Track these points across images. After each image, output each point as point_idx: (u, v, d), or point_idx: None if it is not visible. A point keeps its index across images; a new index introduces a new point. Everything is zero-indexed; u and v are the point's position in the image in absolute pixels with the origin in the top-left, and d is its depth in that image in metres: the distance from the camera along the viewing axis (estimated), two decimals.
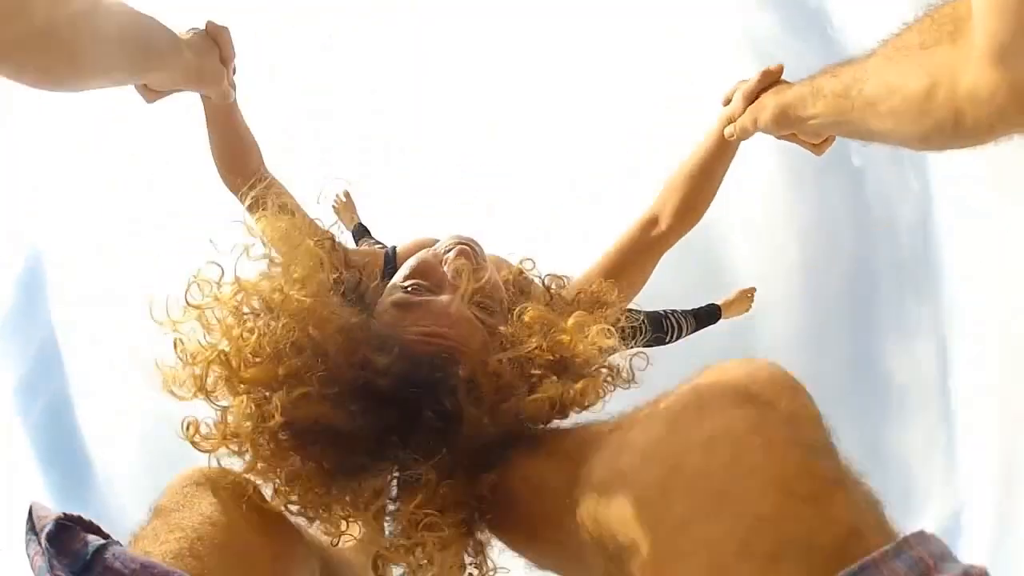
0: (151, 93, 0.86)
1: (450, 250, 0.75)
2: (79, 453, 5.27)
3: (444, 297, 0.71)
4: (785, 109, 0.83)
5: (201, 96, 1.01)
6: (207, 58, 0.90)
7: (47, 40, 0.58)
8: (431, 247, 0.79)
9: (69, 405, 5.30)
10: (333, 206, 2.40)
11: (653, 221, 1.11)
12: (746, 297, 2.53)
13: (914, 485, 4.67)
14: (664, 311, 2.14)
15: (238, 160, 1.06)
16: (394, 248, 1.19)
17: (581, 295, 0.87)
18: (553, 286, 0.90)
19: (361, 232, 2.32)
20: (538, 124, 4.69)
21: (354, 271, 0.81)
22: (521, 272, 0.98)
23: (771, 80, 0.91)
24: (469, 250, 0.74)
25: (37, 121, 4.91)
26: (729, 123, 0.98)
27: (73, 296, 5.20)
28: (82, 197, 5.04)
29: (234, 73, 0.99)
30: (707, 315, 2.34)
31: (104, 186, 4.98)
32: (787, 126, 0.85)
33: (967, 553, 4.63)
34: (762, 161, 4.50)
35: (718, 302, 2.44)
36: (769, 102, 0.87)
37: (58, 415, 5.24)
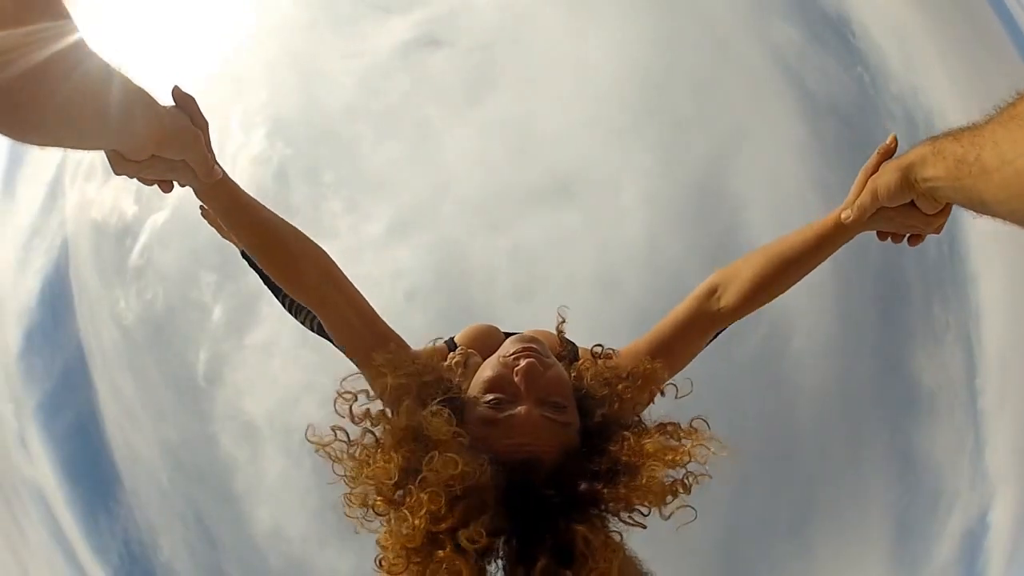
0: (123, 163, 0.78)
1: (518, 357, 0.86)
2: (107, 468, 5.25)
3: (521, 409, 0.82)
4: (906, 170, 0.83)
5: (197, 194, 0.93)
6: (179, 118, 0.83)
7: None
8: (497, 352, 0.91)
9: (97, 419, 5.29)
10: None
11: (712, 291, 1.10)
12: None
13: (943, 487, 4.71)
14: None
15: (281, 256, 1.00)
16: (452, 338, 1.27)
17: (633, 373, 0.95)
18: (601, 359, 1.00)
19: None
20: (560, 138, 4.73)
21: (447, 382, 0.92)
22: (563, 339, 1.11)
23: (887, 153, 0.94)
24: (534, 361, 0.86)
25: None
26: (847, 208, 0.97)
27: (101, 309, 5.20)
28: (107, 210, 5.06)
29: (213, 156, 0.91)
30: None
31: (128, 191, 5.00)
32: (908, 188, 0.84)
33: (992, 554, 4.65)
34: (790, 172, 4.56)
35: None
36: (889, 166, 0.88)
37: (85, 429, 5.23)
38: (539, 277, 4.35)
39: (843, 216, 0.97)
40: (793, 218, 4.52)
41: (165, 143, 0.80)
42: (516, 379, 0.84)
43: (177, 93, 0.86)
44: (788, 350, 4.35)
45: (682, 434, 0.85)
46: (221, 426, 4.62)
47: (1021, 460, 4.59)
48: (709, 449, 0.82)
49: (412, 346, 1.21)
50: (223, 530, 4.77)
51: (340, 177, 4.42)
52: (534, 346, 0.89)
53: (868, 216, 0.95)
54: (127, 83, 0.70)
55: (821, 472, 4.65)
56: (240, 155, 4.32)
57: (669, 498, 0.79)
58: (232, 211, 0.98)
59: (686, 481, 0.81)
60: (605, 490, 0.78)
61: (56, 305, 5.20)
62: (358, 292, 1.08)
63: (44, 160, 5.01)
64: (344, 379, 0.87)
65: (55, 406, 5.21)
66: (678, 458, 0.80)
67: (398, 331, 1.09)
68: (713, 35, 4.58)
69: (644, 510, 0.80)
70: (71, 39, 0.60)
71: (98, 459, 5.17)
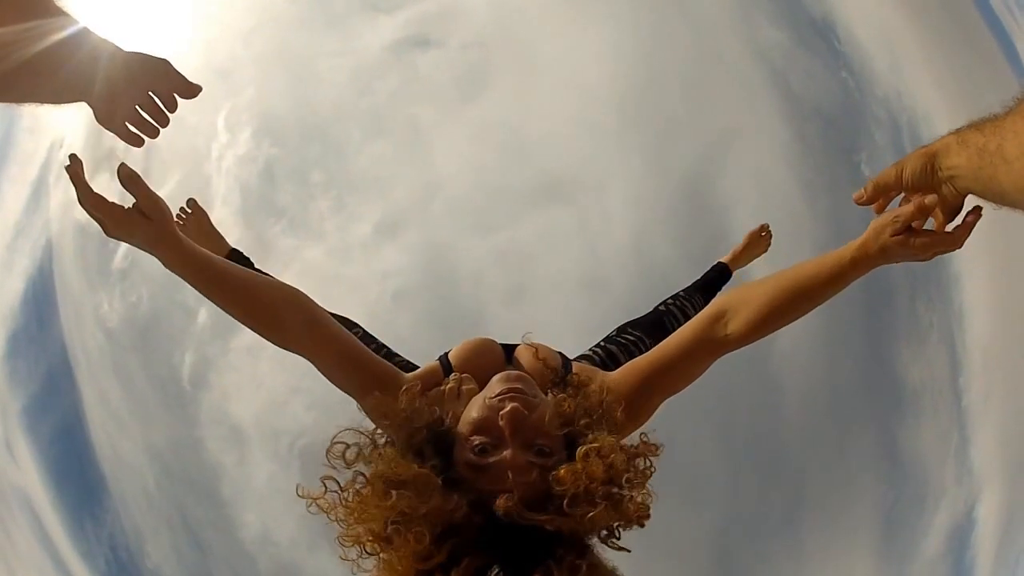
0: (109, 103, 0.84)
1: (504, 399, 0.86)
2: (93, 472, 5.19)
3: (506, 454, 0.83)
4: (931, 157, 0.84)
5: (164, 264, 0.94)
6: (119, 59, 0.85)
7: None
8: (483, 392, 0.90)
9: (83, 423, 5.22)
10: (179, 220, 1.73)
11: (720, 315, 1.07)
12: (759, 238, 2.08)
13: (928, 483, 4.77)
14: (664, 306, 1.81)
15: (260, 312, 1.00)
16: (446, 355, 1.26)
17: (602, 407, 0.93)
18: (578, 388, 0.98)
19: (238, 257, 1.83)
20: (550, 139, 4.74)
21: (438, 417, 0.91)
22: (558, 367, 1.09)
23: None
24: (518, 405, 0.85)
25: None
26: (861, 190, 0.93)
27: (85, 312, 5.13)
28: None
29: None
30: (715, 280, 2.01)
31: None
32: (931, 175, 0.85)
33: (979, 549, 4.71)
34: (776, 174, 4.60)
35: (723, 259, 2.08)
36: (915, 153, 0.88)
37: (71, 433, 5.16)
38: (527, 278, 4.37)
39: (855, 196, 0.94)
40: (779, 219, 4.55)
41: (128, 64, 0.84)
42: (501, 423, 0.85)
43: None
44: (775, 349, 4.39)
45: (634, 452, 0.86)
46: (208, 430, 4.58)
47: (1006, 456, 4.66)
48: (625, 455, 0.82)
49: (403, 354, 1.19)
50: (211, 535, 4.73)
51: (328, 177, 4.41)
52: (519, 386, 0.89)
53: (885, 192, 0.92)
54: (96, 39, 0.77)
55: (809, 470, 4.70)
56: (227, 154, 4.30)
57: (589, 509, 0.77)
58: (201, 274, 0.98)
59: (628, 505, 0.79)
60: (560, 521, 0.77)
61: (40, 307, 5.13)
62: (344, 332, 1.08)
63: (28, 159, 4.94)
64: (337, 433, 0.87)
65: (40, 410, 5.14)
66: (597, 472, 0.79)
67: (385, 333, 1.09)
68: (701, 39, 4.62)
69: (616, 531, 0.80)
70: (61, 34, 0.67)
71: (84, 463, 5.11)
